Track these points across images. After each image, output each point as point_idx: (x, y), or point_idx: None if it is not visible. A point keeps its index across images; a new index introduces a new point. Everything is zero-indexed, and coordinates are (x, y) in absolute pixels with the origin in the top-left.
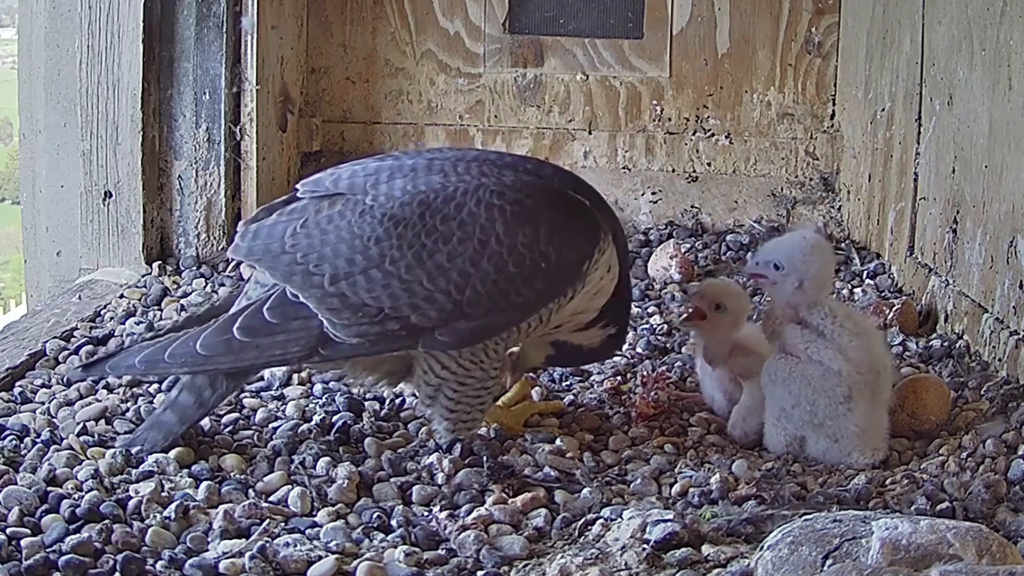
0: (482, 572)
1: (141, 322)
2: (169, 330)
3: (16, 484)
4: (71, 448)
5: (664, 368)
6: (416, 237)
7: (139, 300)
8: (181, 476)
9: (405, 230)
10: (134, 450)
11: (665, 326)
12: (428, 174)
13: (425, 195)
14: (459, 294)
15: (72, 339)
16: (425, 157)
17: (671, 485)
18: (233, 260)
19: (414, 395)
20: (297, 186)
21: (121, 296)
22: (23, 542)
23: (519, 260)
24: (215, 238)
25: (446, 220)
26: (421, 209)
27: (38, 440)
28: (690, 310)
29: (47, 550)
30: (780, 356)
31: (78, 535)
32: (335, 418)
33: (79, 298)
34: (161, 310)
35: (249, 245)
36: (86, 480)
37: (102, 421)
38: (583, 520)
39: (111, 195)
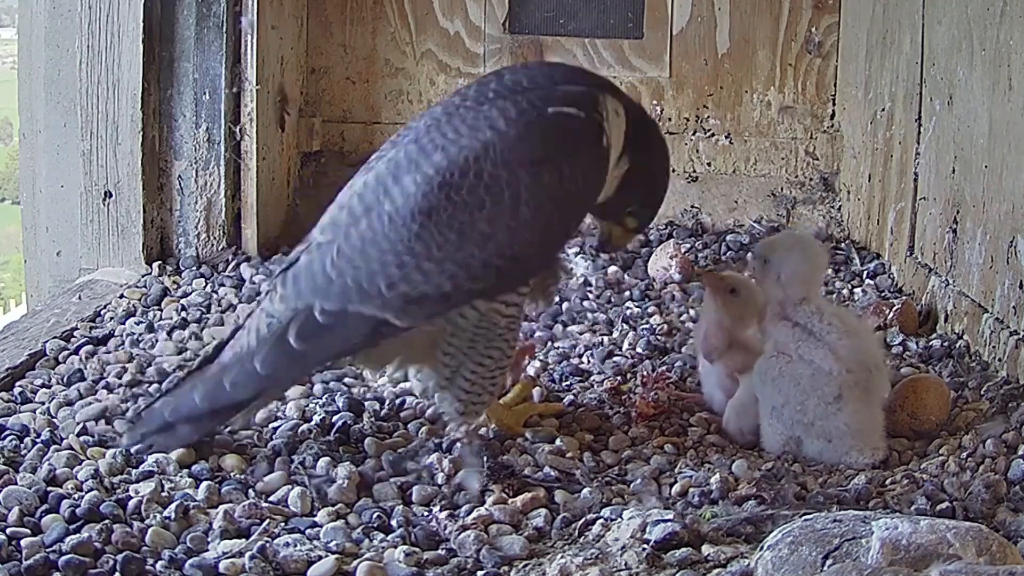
0: (482, 572)
1: (141, 322)
2: (185, 375)
3: (16, 484)
4: (71, 448)
5: (664, 368)
6: (452, 218)
7: (139, 300)
8: (181, 476)
9: (440, 216)
10: (139, 449)
11: (665, 326)
12: (426, 156)
13: (441, 177)
14: (511, 249)
15: (72, 339)
16: (408, 140)
17: (671, 485)
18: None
19: (413, 395)
20: (314, 231)
21: (121, 296)
22: (23, 542)
23: (554, 197)
24: (215, 238)
25: (472, 191)
26: (443, 191)
27: (38, 440)
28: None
29: (47, 550)
30: (771, 355)
31: (78, 535)
32: (335, 418)
33: (79, 298)
34: (161, 310)
35: (296, 290)
36: (86, 480)
37: (102, 421)
38: (583, 520)
39: (111, 195)
